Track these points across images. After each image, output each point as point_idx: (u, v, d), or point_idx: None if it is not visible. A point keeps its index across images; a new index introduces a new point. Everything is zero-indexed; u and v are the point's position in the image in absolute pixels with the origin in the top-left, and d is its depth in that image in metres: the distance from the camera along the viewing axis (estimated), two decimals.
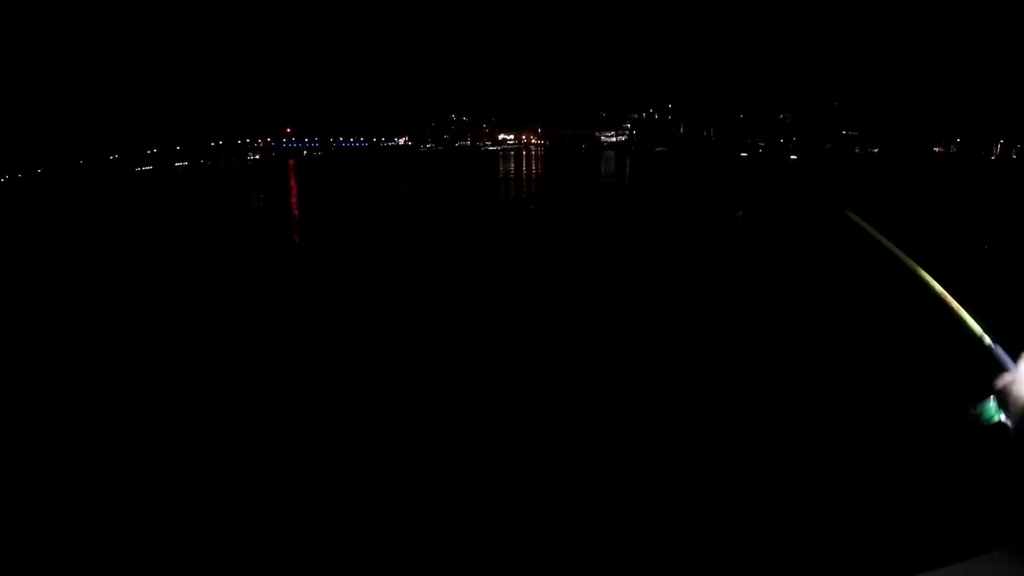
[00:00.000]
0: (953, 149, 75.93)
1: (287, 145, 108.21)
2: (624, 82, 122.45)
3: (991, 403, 1.82)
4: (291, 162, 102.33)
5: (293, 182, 72.19)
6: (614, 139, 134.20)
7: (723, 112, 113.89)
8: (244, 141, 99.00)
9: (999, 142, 65.72)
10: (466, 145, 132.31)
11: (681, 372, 14.24)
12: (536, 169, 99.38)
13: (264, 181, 71.53)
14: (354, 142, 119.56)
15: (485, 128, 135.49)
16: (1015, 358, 1.85)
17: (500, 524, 9.36)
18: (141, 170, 78.21)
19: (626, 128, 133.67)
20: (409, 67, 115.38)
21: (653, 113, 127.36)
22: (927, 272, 1.82)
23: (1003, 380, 1.82)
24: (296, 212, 46.83)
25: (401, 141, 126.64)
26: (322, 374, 13.27)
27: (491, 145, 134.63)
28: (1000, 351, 1.84)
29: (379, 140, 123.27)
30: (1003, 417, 1.72)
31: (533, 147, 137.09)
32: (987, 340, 1.81)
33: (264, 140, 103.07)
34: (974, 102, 63.68)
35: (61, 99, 65.87)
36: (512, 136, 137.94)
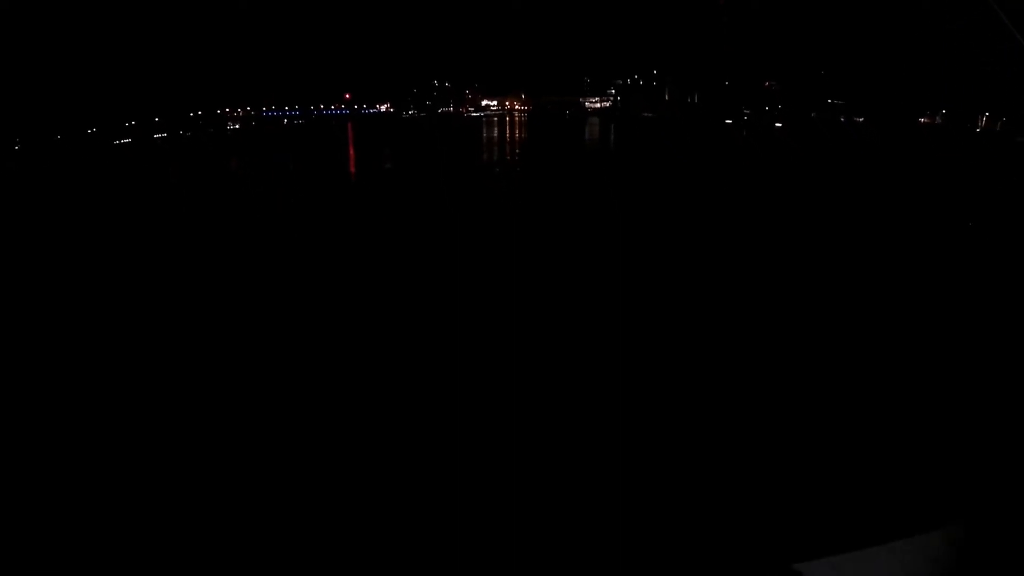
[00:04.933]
0: (939, 120, 76.58)
1: (267, 114, 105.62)
2: (609, 48, 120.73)
3: None
4: (270, 130, 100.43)
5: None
6: (598, 105, 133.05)
7: (708, 79, 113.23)
8: (223, 111, 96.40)
9: (985, 114, 66.44)
10: (449, 111, 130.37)
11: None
12: (520, 135, 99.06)
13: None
14: (335, 110, 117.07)
15: (468, 94, 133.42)
16: None
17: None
18: (120, 143, 76.18)
19: (611, 94, 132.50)
20: (390, 33, 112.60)
21: (638, 79, 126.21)
22: None
23: None
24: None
25: (383, 108, 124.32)
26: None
27: (474, 111, 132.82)
28: None
29: (361, 107, 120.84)
30: None
31: (517, 113, 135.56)
32: None
33: (244, 110, 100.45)
34: (961, 72, 64.22)
35: (35, 74, 63.37)
36: (495, 102, 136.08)
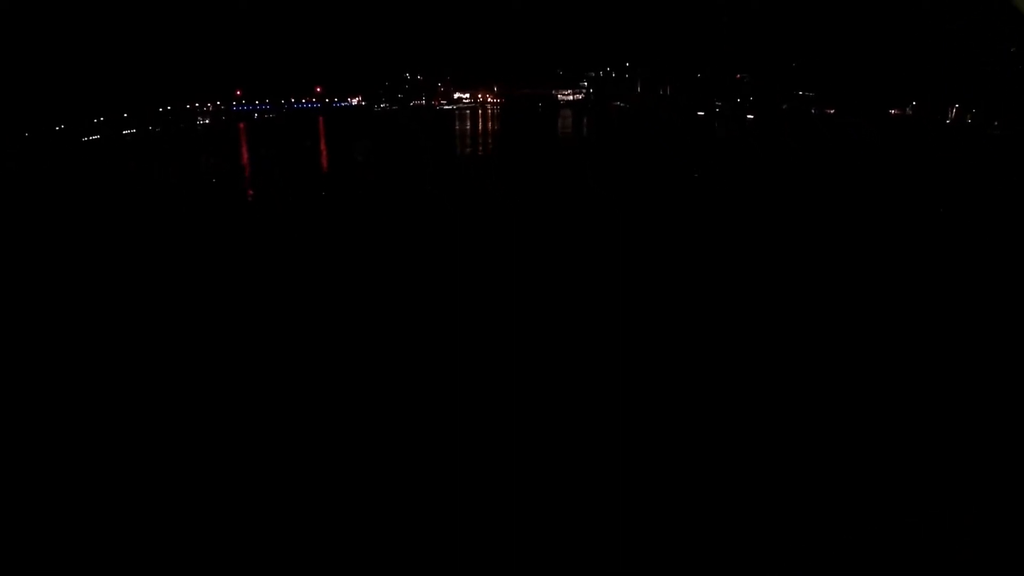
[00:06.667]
0: (909, 112, 78.80)
1: (237, 108, 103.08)
2: (581, 40, 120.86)
3: None
4: (241, 125, 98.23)
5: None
6: (571, 97, 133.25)
7: (680, 71, 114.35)
8: (193, 105, 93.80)
9: (954, 106, 68.58)
10: (421, 104, 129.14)
11: None
12: (493, 127, 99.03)
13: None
14: (306, 103, 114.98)
15: (440, 87, 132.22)
16: None
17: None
18: (88, 139, 73.70)
19: (583, 86, 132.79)
20: (361, 25, 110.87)
21: (610, 71, 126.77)
22: None
23: None
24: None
25: (354, 101, 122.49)
26: None
27: (446, 104, 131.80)
28: None
29: (332, 100, 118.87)
30: None
31: (489, 105, 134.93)
32: None
33: (214, 104, 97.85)
34: (930, 65, 66.14)
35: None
36: (468, 95, 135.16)
